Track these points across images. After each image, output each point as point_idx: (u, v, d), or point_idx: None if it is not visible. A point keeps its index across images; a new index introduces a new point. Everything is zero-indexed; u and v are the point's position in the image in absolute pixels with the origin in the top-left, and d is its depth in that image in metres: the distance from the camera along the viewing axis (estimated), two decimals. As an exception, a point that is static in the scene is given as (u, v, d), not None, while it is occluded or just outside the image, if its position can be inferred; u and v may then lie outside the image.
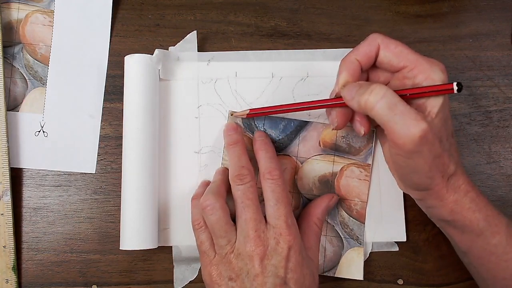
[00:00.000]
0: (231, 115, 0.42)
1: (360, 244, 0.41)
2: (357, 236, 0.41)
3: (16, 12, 0.43)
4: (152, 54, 0.41)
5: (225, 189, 0.38)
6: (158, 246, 0.40)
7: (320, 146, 0.42)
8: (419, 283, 0.42)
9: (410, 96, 0.33)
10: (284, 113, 0.41)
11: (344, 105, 0.35)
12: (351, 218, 0.41)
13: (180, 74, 0.43)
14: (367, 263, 0.42)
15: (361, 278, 0.41)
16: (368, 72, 0.38)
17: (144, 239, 0.38)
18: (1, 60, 0.41)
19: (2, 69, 0.41)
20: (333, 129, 0.38)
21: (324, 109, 0.42)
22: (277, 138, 0.42)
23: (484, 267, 0.36)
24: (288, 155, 0.42)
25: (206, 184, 0.40)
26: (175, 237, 0.41)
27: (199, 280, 0.41)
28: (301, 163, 0.42)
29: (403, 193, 0.42)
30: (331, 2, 0.45)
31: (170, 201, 0.41)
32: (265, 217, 0.36)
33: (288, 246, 0.35)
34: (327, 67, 0.44)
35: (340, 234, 0.41)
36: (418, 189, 0.36)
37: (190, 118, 0.43)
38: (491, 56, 0.45)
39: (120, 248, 0.38)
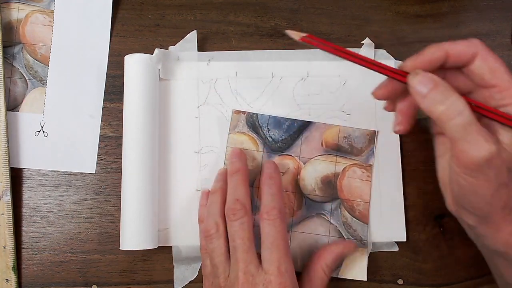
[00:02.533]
0: (285, 32, 0.33)
1: (364, 244, 0.41)
2: (361, 237, 0.41)
3: (16, 12, 0.43)
4: (152, 54, 0.41)
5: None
6: (158, 246, 0.40)
7: (322, 146, 0.42)
8: (419, 283, 0.42)
9: (486, 115, 0.31)
10: (343, 56, 0.33)
11: (402, 80, 0.32)
12: (354, 218, 0.41)
13: (180, 74, 0.43)
14: (367, 263, 0.42)
15: (365, 279, 0.41)
16: (450, 70, 0.34)
17: (144, 239, 0.38)
18: (1, 60, 0.41)
19: (2, 69, 0.41)
20: (394, 132, 0.35)
21: (324, 110, 0.42)
22: (281, 138, 0.42)
23: None
24: (291, 155, 0.42)
25: (206, 196, 0.40)
26: (175, 237, 0.41)
27: (199, 280, 0.41)
28: (304, 163, 0.42)
29: (403, 193, 0.42)
30: (331, 2, 0.45)
31: (170, 201, 0.41)
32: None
33: None
34: (327, 67, 0.44)
35: (344, 235, 0.41)
36: (473, 213, 0.33)
37: (190, 118, 0.43)
38: (491, 56, 0.45)
39: (120, 248, 0.38)
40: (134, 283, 0.41)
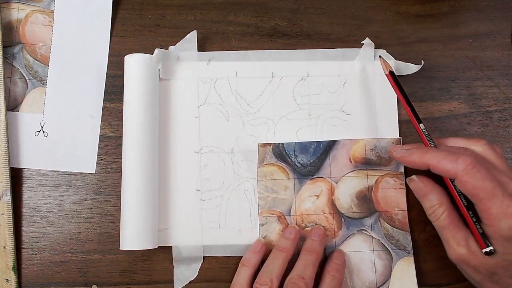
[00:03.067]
0: (380, 56, 0.41)
1: (409, 253, 0.41)
2: (404, 246, 0.41)
3: (16, 12, 0.43)
4: (152, 54, 0.41)
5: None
6: (158, 246, 0.40)
7: (351, 162, 0.42)
8: (419, 283, 0.42)
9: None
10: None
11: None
12: (394, 228, 0.41)
13: (180, 73, 0.43)
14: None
15: (416, 287, 0.41)
16: None
17: (144, 239, 0.38)
18: (1, 60, 0.41)
19: (2, 69, 0.41)
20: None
21: (324, 110, 0.43)
22: (309, 162, 0.42)
23: None
24: (322, 177, 0.42)
25: (260, 245, 0.40)
26: (175, 237, 0.41)
27: (199, 280, 0.41)
28: (336, 183, 0.42)
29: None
30: (331, 2, 0.45)
31: (170, 201, 0.41)
32: None
33: None
34: (327, 67, 0.44)
35: (387, 247, 0.41)
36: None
37: (190, 118, 0.43)
38: (491, 56, 0.45)
39: (120, 248, 0.38)
40: (134, 283, 0.41)
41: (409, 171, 0.42)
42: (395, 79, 0.39)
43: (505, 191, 0.33)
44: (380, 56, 0.41)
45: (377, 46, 0.44)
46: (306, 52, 0.44)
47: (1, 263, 0.40)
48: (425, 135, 0.38)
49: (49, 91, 0.42)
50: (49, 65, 0.43)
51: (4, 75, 0.41)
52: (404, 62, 0.44)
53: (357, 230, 0.41)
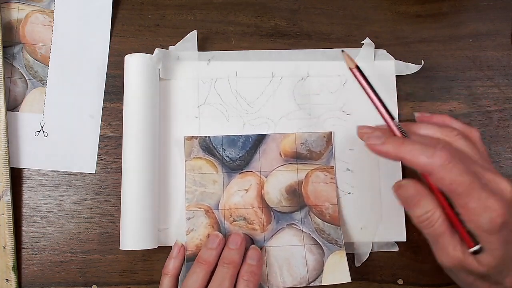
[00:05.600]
0: (342, 51, 0.37)
1: (340, 247, 0.41)
2: (336, 240, 0.41)
3: (16, 12, 0.43)
4: (152, 54, 0.41)
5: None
6: (158, 246, 0.40)
7: (281, 156, 0.42)
8: (419, 283, 0.42)
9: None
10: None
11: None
12: (325, 223, 0.41)
13: (180, 73, 0.43)
14: (367, 263, 0.42)
15: (349, 280, 0.40)
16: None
17: (144, 239, 0.38)
18: (1, 60, 0.41)
19: (2, 69, 0.41)
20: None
21: (324, 110, 0.43)
22: (238, 156, 0.42)
23: None
24: (252, 171, 0.42)
25: (179, 250, 0.40)
26: (175, 237, 0.41)
27: (199, 280, 0.41)
28: (266, 177, 0.42)
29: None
30: (331, 2, 0.45)
31: (170, 201, 0.41)
32: None
33: None
34: (327, 67, 0.44)
35: (319, 241, 0.41)
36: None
37: (190, 118, 0.43)
38: (491, 56, 0.45)
39: (120, 248, 0.38)
40: (134, 283, 0.41)
41: (413, 175, 0.42)
42: (361, 73, 0.36)
43: (482, 183, 0.32)
44: (342, 51, 0.37)
45: (377, 46, 0.44)
46: (306, 52, 0.44)
47: (1, 263, 0.40)
48: (397, 127, 0.35)
49: (49, 91, 0.42)
50: (49, 65, 0.43)
51: (4, 75, 0.41)
52: (404, 62, 0.44)
53: (287, 224, 0.41)
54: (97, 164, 0.42)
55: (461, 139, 0.35)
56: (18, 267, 0.41)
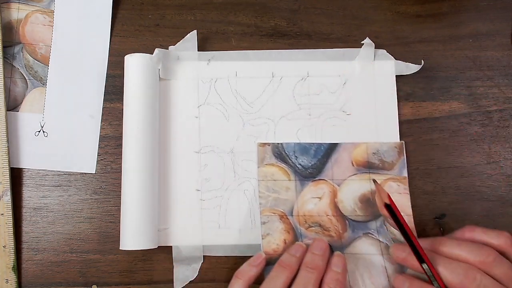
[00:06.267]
0: (374, 181, 0.40)
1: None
2: None
3: (16, 12, 0.43)
4: (152, 54, 0.41)
5: None
6: (158, 246, 0.40)
7: (353, 166, 0.42)
8: (419, 283, 0.42)
9: None
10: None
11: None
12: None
13: (180, 73, 0.43)
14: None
15: None
16: None
17: (144, 239, 0.38)
18: (1, 60, 0.41)
19: (2, 69, 0.41)
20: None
21: (324, 110, 0.42)
22: (310, 164, 0.41)
23: None
24: (324, 179, 0.41)
25: (262, 261, 0.38)
26: (175, 237, 0.41)
27: (199, 280, 0.41)
28: (338, 186, 0.41)
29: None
30: (331, 2, 0.45)
31: (170, 201, 0.41)
32: None
33: None
34: (327, 67, 0.44)
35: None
36: None
37: (190, 118, 0.43)
38: (491, 56, 0.45)
39: (120, 248, 0.38)
40: (134, 283, 0.41)
41: (413, 175, 0.42)
42: (393, 211, 0.36)
43: None
44: (375, 181, 0.40)
45: (377, 46, 0.44)
46: (306, 52, 0.44)
47: (1, 263, 0.40)
48: (428, 275, 0.34)
49: (49, 91, 0.42)
50: (49, 65, 0.43)
51: (4, 75, 0.41)
52: (404, 62, 0.44)
53: (363, 233, 0.40)
54: (97, 164, 0.42)
55: (498, 264, 0.33)
56: (18, 267, 0.41)
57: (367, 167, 0.42)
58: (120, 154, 0.41)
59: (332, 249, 0.40)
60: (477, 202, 0.43)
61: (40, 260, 0.41)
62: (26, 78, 0.42)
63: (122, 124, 0.40)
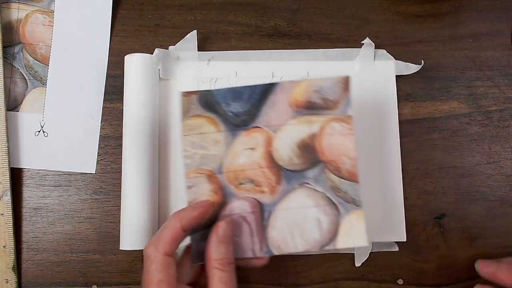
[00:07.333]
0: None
1: (358, 206, 0.36)
2: (353, 198, 0.36)
3: (16, 12, 0.43)
4: (152, 54, 0.41)
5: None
6: (158, 246, 0.40)
7: (292, 108, 0.37)
8: (419, 283, 0.42)
9: None
10: None
11: None
12: (342, 180, 0.36)
13: (180, 73, 0.43)
14: (367, 263, 0.42)
15: (366, 243, 0.36)
16: None
17: (144, 239, 0.38)
18: (1, 60, 0.41)
19: (2, 69, 0.41)
20: None
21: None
22: (242, 110, 0.37)
23: None
24: (259, 127, 0.37)
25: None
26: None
27: (199, 280, 0.41)
28: (275, 132, 0.37)
29: (403, 193, 0.42)
30: (331, 2, 0.45)
31: (170, 201, 0.41)
32: None
33: None
34: (327, 67, 0.44)
35: (334, 201, 0.36)
36: None
37: (190, 118, 0.42)
38: (491, 56, 0.45)
39: (120, 248, 0.38)
40: (134, 283, 0.41)
41: (413, 175, 0.42)
42: None
43: None
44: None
45: (377, 46, 0.44)
46: (306, 52, 0.44)
47: (1, 263, 0.40)
48: None
49: (49, 91, 0.42)
50: (49, 65, 0.43)
51: (4, 75, 0.41)
52: (404, 62, 0.44)
53: (299, 184, 0.36)
54: (97, 164, 0.42)
55: None
56: (18, 267, 0.41)
57: (308, 107, 0.37)
58: (120, 154, 0.41)
59: (262, 207, 0.36)
60: (477, 202, 0.43)
61: (40, 260, 0.41)
62: (26, 78, 0.43)
63: (122, 124, 0.40)
